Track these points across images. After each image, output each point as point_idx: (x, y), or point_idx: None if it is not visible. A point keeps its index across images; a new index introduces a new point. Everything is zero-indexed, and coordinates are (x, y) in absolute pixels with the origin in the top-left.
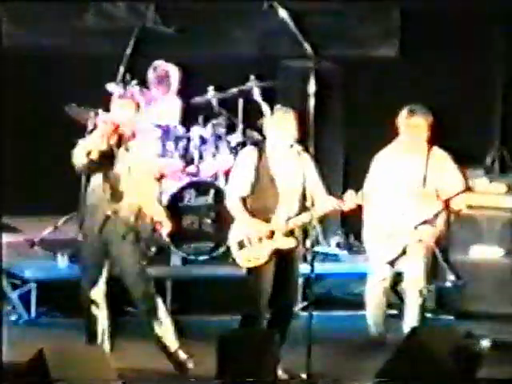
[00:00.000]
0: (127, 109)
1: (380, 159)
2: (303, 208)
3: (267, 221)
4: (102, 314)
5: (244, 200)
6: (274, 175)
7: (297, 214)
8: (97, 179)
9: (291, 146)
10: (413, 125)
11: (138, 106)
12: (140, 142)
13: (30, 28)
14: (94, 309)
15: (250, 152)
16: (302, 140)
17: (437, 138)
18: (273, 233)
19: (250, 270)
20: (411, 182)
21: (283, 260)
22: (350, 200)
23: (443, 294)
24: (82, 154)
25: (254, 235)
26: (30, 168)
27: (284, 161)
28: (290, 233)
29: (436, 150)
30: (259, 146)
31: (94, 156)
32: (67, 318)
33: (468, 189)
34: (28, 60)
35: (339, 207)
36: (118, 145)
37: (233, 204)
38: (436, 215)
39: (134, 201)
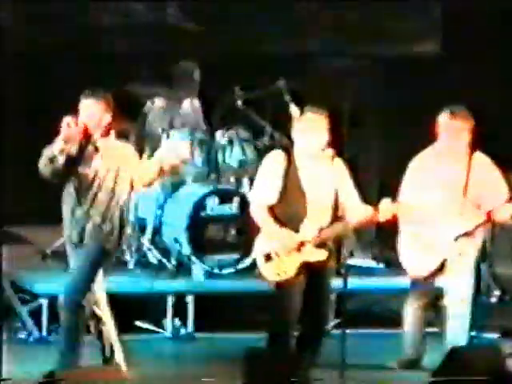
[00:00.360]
0: (93, 108)
1: (417, 165)
2: (335, 218)
3: (296, 231)
4: (106, 328)
5: (271, 209)
6: (303, 182)
7: (328, 225)
8: (68, 185)
9: (322, 150)
10: (453, 128)
11: (108, 104)
12: (112, 142)
13: (40, 26)
14: (94, 322)
15: (277, 156)
16: (335, 144)
17: (479, 142)
18: (302, 244)
19: (278, 284)
20: (451, 190)
21: (314, 274)
22: (386, 210)
23: (488, 310)
24: (44, 162)
25: (282, 247)
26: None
27: (314, 166)
28: (322, 245)
29: (478, 155)
30: (287, 149)
31: (59, 162)
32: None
33: None
34: (38, 61)
35: (374, 217)
36: (85, 146)
37: (258, 213)
38: (477, 226)
39: (105, 205)
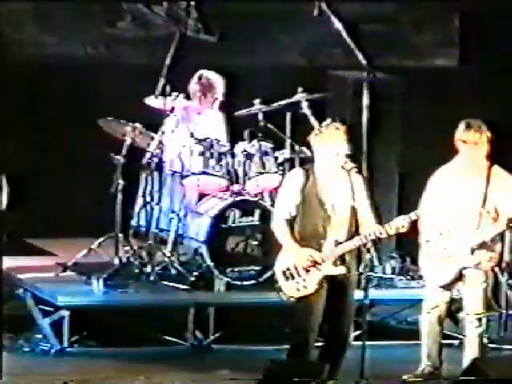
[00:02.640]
0: None
1: (437, 178)
2: (354, 232)
3: (316, 244)
4: None
5: (291, 224)
6: (322, 197)
7: (347, 239)
8: None
9: (343, 163)
10: (470, 141)
11: None
12: None
13: (61, 37)
14: None
15: (297, 173)
16: (354, 157)
17: (498, 154)
18: (322, 259)
19: (298, 299)
20: (470, 202)
21: (335, 286)
22: (398, 224)
23: (508, 322)
24: None
25: (301, 264)
26: (64, 187)
27: (334, 181)
28: (341, 259)
29: (497, 168)
30: (307, 166)
31: None
32: (103, 347)
33: None
34: (59, 71)
35: (382, 235)
36: None
37: (278, 228)
38: (494, 238)
39: None
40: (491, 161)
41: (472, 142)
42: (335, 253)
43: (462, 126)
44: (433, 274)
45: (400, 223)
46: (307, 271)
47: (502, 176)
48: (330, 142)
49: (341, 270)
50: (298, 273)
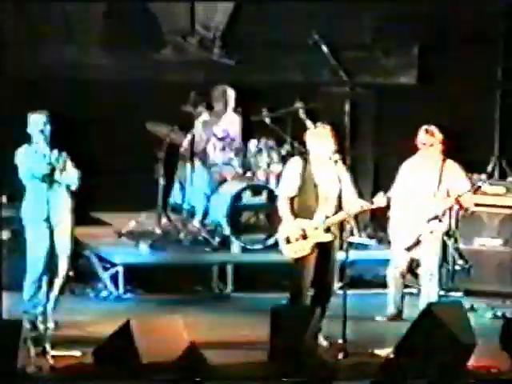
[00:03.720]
0: None
1: (404, 168)
2: (339, 208)
3: (309, 218)
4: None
5: (291, 201)
6: (315, 180)
7: (333, 214)
8: None
9: (331, 155)
10: (428, 143)
11: None
12: None
13: (117, 61)
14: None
15: (297, 161)
16: (339, 151)
17: (450, 150)
18: (314, 229)
19: (295, 259)
20: (428, 186)
21: (323, 249)
22: (378, 200)
23: (454, 275)
24: None
25: (299, 232)
26: (119, 173)
27: (324, 169)
28: (328, 229)
29: (449, 161)
30: (304, 156)
31: None
32: (148, 294)
33: (476, 190)
34: (116, 87)
35: (367, 207)
36: None
37: (282, 203)
38: (445, 211)
39: None
40: (444, 155)
41: (429, 144)
42: (325, 224)
43: (421, 131)
44: (398, 239)
45: (380, 200)
46: (304, 238)
47: (453, 166)
48: (318, 138)
49: (328, 237)
50: (295, 239)
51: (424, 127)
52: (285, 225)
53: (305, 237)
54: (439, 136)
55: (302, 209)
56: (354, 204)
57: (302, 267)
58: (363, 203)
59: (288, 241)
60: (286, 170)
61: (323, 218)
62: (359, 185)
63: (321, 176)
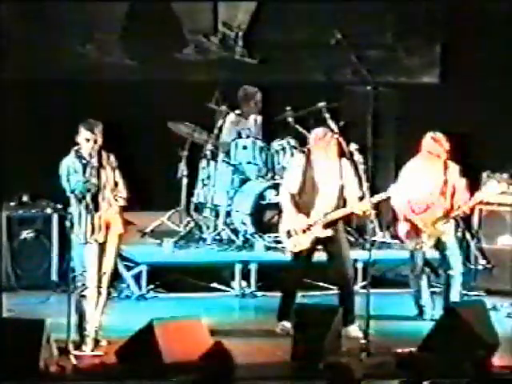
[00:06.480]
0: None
1: (407, 169)
2: (340, 205)
3: (309, 214)
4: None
5: (293, 196)
6: (316, 177)
7: (333, 210)
8: None
9: (333, 156)
10: (435, 153)
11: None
12: None
13: (142, 61)
14: None
15: (300, 157)
16: (344, 156)
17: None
18: (313, 224)
19: (295, 253)
20: (435, 187)
21: (327, 244)
22: (376, 200)
23: (476, 275)
24: None
25: (299, 227)
26: (143, 174)
27: (325, 166)
28: (329, 224)
29: (452, 164)
30: (306, 152)
31: None
32: (171, 293)
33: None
34: (141, 87)
35: (367, 210)
36: None
37: (284, 199)
38: (448, 211)
39: None
40: (448, 159)
41: (435, 155)
42: (323, 220)
43: (428, 137)
44: (413, 240)
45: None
46: (303, 232)
47: (455, 168)
48: (320, 143)
49: (328, 232)
50: (295, 233)
51: (430, 134)
52: (286, 219)
53: (305, 231)
54: (446, 145)
55: (302, 205)
56: (356, 203)
57: (300, 261)
58: (360, 204)
59: (289, 235)
60: (289, 167)
61: (322, 213)
62: (381, 183)
63: (321, 173)
